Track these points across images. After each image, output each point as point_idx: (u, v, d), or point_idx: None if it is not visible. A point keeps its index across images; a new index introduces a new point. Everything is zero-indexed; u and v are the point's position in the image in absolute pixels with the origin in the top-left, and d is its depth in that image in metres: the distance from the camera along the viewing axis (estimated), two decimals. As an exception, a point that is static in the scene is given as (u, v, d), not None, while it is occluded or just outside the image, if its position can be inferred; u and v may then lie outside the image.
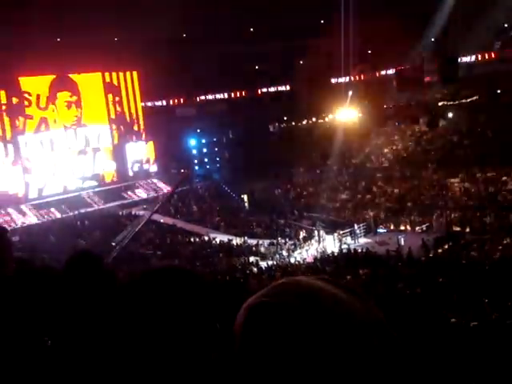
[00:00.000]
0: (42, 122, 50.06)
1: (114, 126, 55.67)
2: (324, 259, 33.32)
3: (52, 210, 46.42)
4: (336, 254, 33.77)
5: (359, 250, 33.15)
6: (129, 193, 51.83)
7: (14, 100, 48.78)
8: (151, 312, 1.25)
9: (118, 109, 55.90)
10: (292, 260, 34.35)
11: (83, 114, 52.78)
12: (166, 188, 52.34)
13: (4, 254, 2.81)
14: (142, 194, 52.23)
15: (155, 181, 53.91)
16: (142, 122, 57.06)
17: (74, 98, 52.36)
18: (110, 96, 55.20)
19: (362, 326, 1.03)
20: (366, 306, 1.09)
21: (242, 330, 1.07)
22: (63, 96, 51.49)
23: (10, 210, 45.40)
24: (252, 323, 1.06)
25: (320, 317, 1.02)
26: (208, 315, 1.30)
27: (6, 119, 48.43)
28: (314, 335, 1.00)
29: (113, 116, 55.62)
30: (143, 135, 57.05)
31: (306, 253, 35.48)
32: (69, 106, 51.98)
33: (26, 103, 49.31)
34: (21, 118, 49.24)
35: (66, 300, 2.60)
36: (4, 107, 48.30)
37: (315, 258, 33.96)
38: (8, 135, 48.34)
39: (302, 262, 33.61)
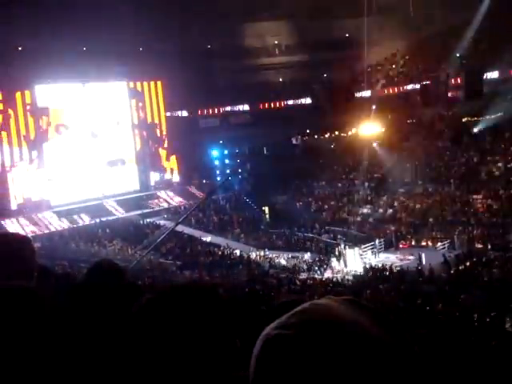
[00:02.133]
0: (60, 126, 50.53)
1: (136, 132, 55.97)
2: (345, 274, 33.25)
3: (74, 217, 46.67)
4: (357, 269, 33.70)
5: (380, 266, 32.97)
6: (150, 202, 51.94)
7: (39, 100, 49.36)
8: (168, 331, 1.23)
9: (141, 114, 56.21)
10: (312, 273, 34.23)
11: (106, 119, 53.25)
12: (181, 200, 52.40)
13: (28, 263, 2.82)
14: (163, 203, 52.30)
15: (171, 193, 53.80)
16: (164, 130, 57.28)
17: (97, 103, 52.85)
18: (134, 101, 55.54)
19: (387, 361, 0.99)
20: (393, 334, 1.05)
21: (257, 362, 1.04)
22: (86, 100, 51.93)
23: (33, 217, 45.74)
24: (266, 356, 1.02)
25: (339, 354, 0.97)
26: (227, 333, 1.29)
27: (31, 119, 48.88)
28: (333, 373, 0.96)
29: (136, 121, 55.93)
30: (165, 143, 57.27)
31: (327, 266, 35.30)
32: (91, 110, 52.49)
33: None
34: (44, 118, 49.70)
35: (85, 310, 2.60)
36: (28, 107, 48.77)
37: (335, 272, 33.89)
38: (32, 135, 48.82)
39: (322, 275, 33.52)
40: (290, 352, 0.99)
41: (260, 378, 1.03)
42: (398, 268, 32.17)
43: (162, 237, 40.27)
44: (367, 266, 33.36)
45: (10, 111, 47.71)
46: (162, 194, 53.60)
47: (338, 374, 0.96)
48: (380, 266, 32.92)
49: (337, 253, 36.70)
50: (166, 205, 51.93)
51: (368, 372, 0.97)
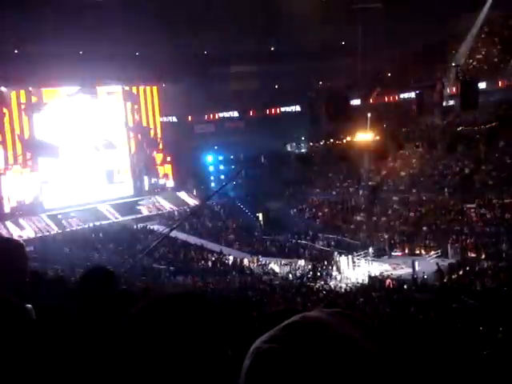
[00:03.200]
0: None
1: (131, 135, 55.87)
2: (339, 281, 33.25)
3: (67, 221, 46.54)
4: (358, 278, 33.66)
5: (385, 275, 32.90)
6: (144, 207, 51.82)
7: (34, 99, 49.28)
8: (160, 340, 1.23)
9: (136, 117, 56.12)
10: (305, 280, 34.19)
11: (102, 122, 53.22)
12: (171, 206, 52.29)
13: (21, 268, 2.82)
14: (155, 209, 52.16)
15: (163, 199, 53.65)
16: (159, 135, 57.25)
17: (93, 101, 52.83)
18: (129, 104, 55.46)
19: (379, 376, 1.00)
20: (384, 348, 1.05)
21: (247, 375, 1.04)
22: (81, 99, 51.86)
23: (26, 220, 45.56)
24: (257, 370, 1.02)
25: (330, 369, 0.98)
26: (219, 343, 1.29)
27: (25, 118, 48.80)
28: None
29: (130, 124, 55.82)
30: (160, 147, 57.19)
31: (321, 274, 35.25)
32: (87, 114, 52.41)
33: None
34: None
35: (77, 316, 2.60)
36: (23, 106, 48.70)
37: (329, 279, 33.88)
38: (26, 134, 48.69)
39: (315, 282, 33.48)
40: (280, 366, 0.99)
41: None
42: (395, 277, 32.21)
43: (156, 242, 40.17)
44: (371, 275, 33.04)
45: (5, 110, 47.62)
46: (155, 199, 53.49)
47: None
48: (384, 274, 32.79)
49: (333, 261, 36.63)
50: (158, 210, 51.78)
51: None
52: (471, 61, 48.14)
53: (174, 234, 43.27)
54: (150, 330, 1.23)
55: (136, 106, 55.92)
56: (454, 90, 47.97)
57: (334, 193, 49.49)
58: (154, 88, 56.07)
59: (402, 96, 54.18)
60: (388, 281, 31.55)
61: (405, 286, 30.09)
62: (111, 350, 1.37)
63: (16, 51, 44.58)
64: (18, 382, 1.53)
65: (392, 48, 46.39)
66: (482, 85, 47.85)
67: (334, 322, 1.07)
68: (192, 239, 43.93)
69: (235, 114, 59.26)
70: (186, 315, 1.27)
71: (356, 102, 53.89)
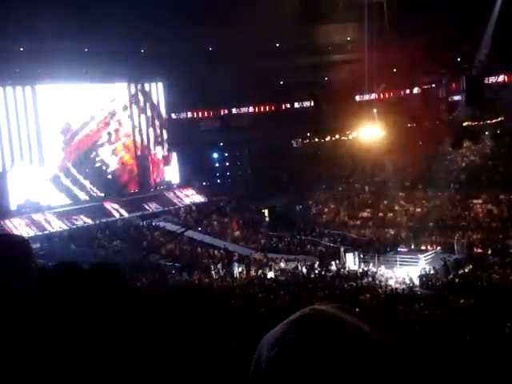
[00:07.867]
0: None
1: (136, 133, 55.87)
2: (343, 277, 33.19)
3: (73, 218, 46.54)
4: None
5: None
6: (150, 204, 51.82)
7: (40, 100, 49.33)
8: (167, 332, 1.23)
9: (142, 116, 56.10)
10: (311, 276, 34.16)
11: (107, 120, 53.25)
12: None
13: (27, 265, 2.82)
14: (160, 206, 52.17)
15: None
16: (165, 132, 57.29)
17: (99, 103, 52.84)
18: (134, 100, 55.44)
19: (388, 362, 1.05)
20: (387, 339, 1.09)
21: (272, 365, 1.05)
22: (87, 101, 51.88)
23: (33, 217, 45.55)
24: (284, 360, 1.04)
25: (352, 355, 1.02)
26: (223, 335, 1.29)
27: (31, 117, 48.76)
28: (348, 373, 1.00)
29: (136, 123, 55.81)
30: (166, 144, 57.25)
31: (326, 270, 35.20)
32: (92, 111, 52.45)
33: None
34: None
35: (82, 312, 2.60)
36: (30, 105, 48.67)
37: (334, 276, 33.79)
38: (32, 133, 48.72)
39: (320, 278, 33.43)
40: (305, 354, 1.02)
41: (277, 380, 1.04)
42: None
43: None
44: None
45: (12, 109, 47.61)
46: (161, 196, 53.54)
47: (349, 372, 1.00)
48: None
49: (337, 256, 36.55)
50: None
51: (370, 369, 1.03)
52: (478, 56, 47.88)
53: (179, 230, 43.46)
54: (155, 322, 1.24)
55: (142, 105, 55.93)
56: (461, 84, 47.93)
57: (340, 189, 49.39)
58: (160, 84, 56.08)
59: (407, 91, 54.10)
60: (393, 277, 31.62)
61: (410, 282, 30.14)
62: (116, 344, 1.37)
63: (22, 49, 44.66)
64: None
65: (398, 43, 46.26)
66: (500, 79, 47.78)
67: (340, 313, 1.10)
68: (198, 235, 43.93)
69: (241, 110, 59.23)
70: (188, 307, 1.28)
71: (361, 97, 53.88)
